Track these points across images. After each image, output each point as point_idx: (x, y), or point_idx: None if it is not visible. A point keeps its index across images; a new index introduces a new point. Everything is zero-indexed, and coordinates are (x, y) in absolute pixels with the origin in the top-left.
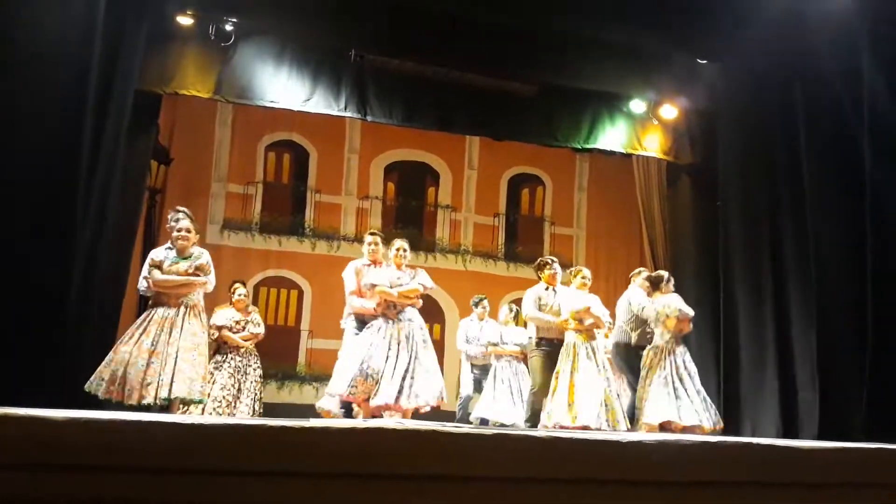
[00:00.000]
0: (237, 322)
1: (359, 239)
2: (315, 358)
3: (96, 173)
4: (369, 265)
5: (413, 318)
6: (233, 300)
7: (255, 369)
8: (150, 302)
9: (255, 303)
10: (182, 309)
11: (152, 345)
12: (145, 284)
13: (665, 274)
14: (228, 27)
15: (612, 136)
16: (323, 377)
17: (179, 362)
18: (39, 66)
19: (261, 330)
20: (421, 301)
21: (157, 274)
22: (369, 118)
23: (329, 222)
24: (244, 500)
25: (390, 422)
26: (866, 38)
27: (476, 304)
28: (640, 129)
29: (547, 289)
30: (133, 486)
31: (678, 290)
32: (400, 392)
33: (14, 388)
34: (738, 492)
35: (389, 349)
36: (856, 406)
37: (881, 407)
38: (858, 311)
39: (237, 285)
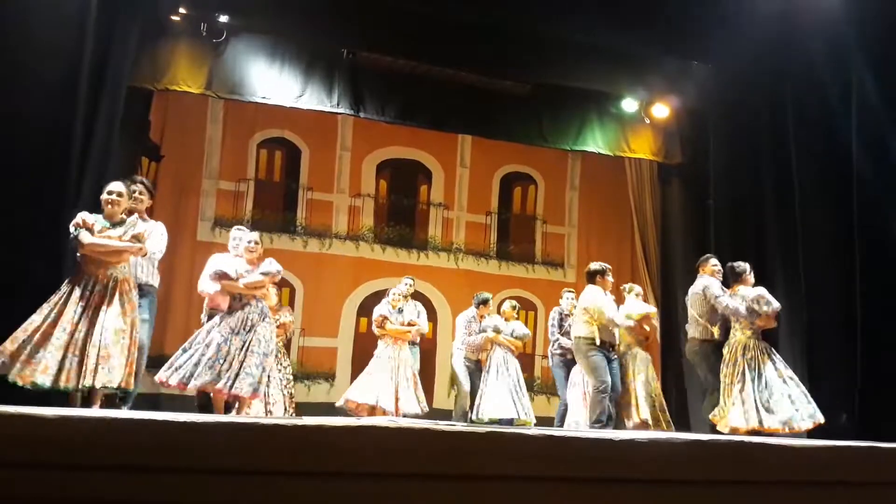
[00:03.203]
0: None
1: (351, 237)
2: (307, 356)
3: (87, 168)
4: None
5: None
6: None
7: None
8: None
9: None
10: (110, 283)
11: (73, 324)
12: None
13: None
14: (220, 23)
15: (601, 139)
16: (315, 375)
17: (105, 348)
18: (32, 63)
19: None
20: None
21: (86, 235)
22: (362, 115)
23: (321, 220)
24: (237, 500)
25: (383, 420)
26: (854, 39)
27: (485, 303)
28: (629, 131)
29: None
30: (126, 485)
31: (672, 288)
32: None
33: (2, 385)
34: (729, 490)
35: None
36: (846, 404)
37: (871, 405)
38: (848, 308)
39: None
